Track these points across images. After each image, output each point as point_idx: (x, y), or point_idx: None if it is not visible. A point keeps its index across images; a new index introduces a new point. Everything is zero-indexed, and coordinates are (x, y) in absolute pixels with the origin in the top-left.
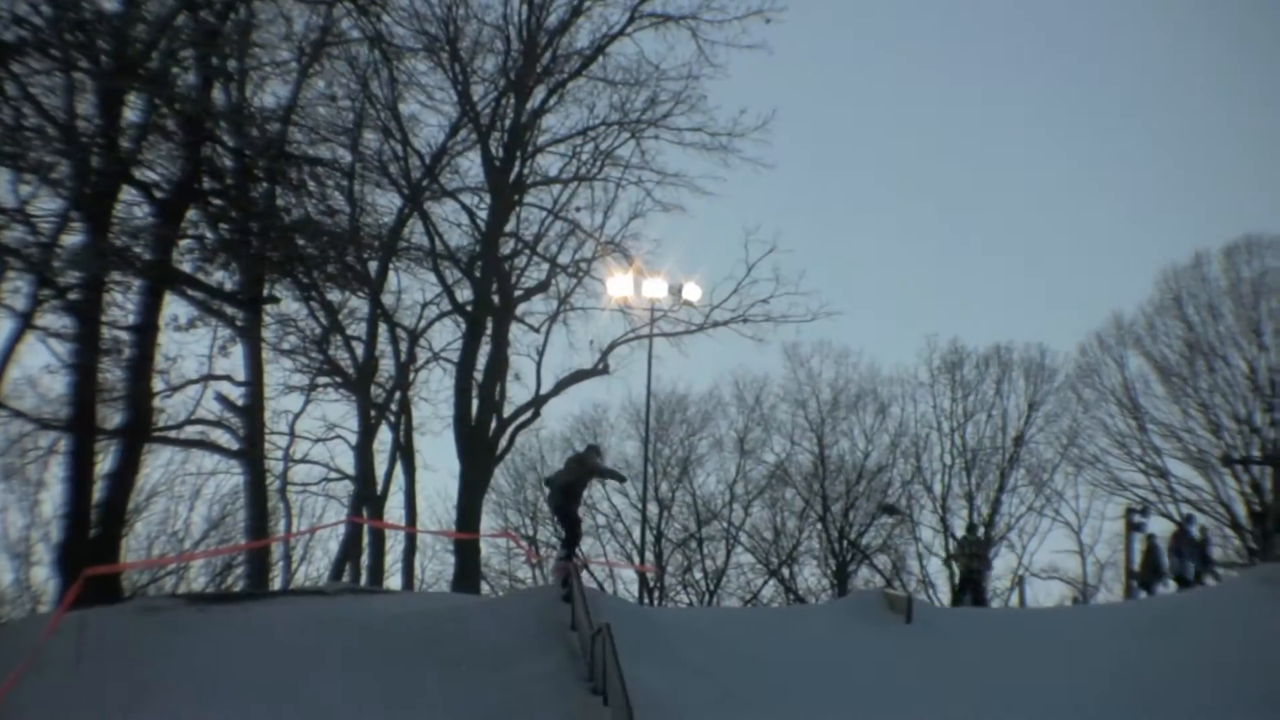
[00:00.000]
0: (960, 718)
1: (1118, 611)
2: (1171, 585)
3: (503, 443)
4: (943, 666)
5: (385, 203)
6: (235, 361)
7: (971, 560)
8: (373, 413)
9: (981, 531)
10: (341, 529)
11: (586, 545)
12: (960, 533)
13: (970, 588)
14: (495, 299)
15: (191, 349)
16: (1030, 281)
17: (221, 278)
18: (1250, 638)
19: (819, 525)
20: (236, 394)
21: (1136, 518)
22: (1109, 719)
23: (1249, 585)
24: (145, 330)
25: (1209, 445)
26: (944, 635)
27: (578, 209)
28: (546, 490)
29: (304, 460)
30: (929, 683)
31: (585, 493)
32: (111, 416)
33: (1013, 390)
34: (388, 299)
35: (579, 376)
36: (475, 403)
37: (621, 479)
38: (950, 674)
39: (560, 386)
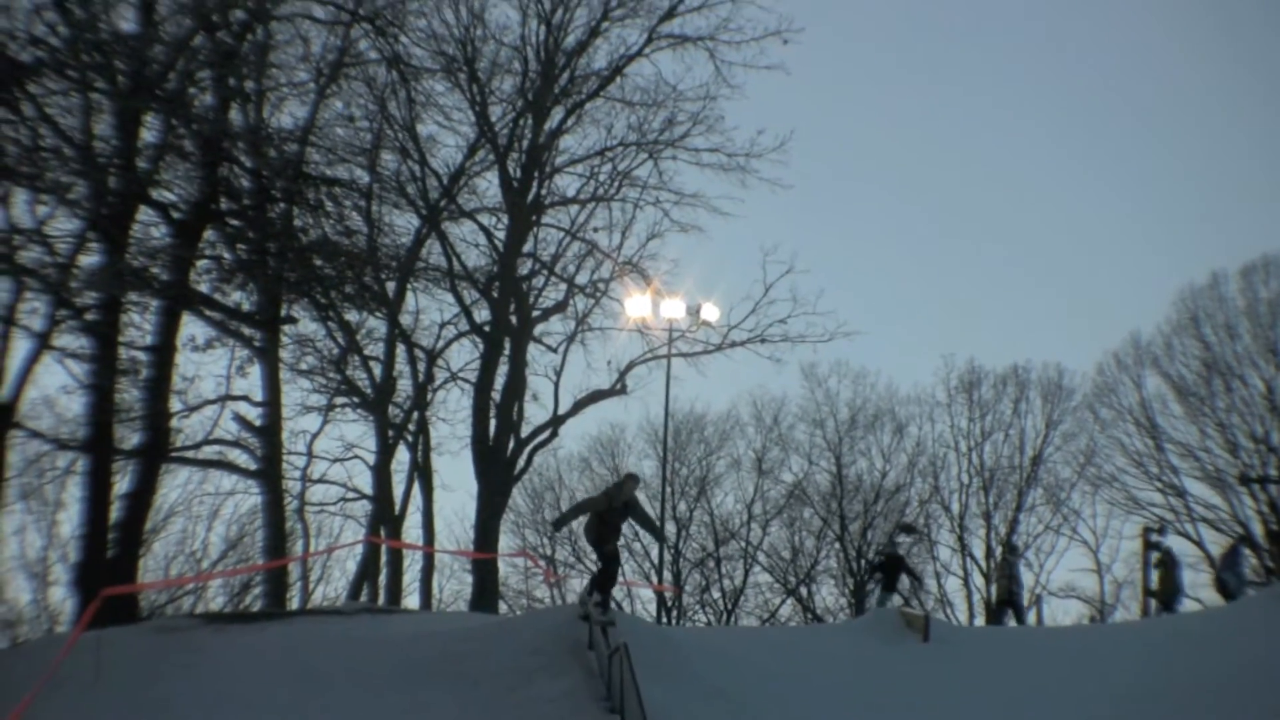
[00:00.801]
0: None
1: (1135, 630)
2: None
3: (520, 462)
4: (960, 685)
5: (403, 223)
6: (253, 382)
7: (1011, 582)
8: (390, 433)
9: (1016, 550)
10: (359, 549)
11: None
12: (979, 551)
13: (1011, 608)
14: (513, 319)
15: (209, 369)
16: (1048, 301)
17: (239, 298)
18: (1267, 656)
19: (837, 544)
20: (254, 414)
21: (1154, 537)
22: None
23: (1265, 604)
24: (163, 350)
25: (1226, 464)
26: (961, 654)
27: (595, 229)
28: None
29: (322, 480)
30: (946, 702)
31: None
32: (129, 437)
33: (1030, 410)
34: (405, 319)
35: (597, 396)
36: (493, 423)
37: (659, 535)
38: (968, 693)
39: (578, 406)
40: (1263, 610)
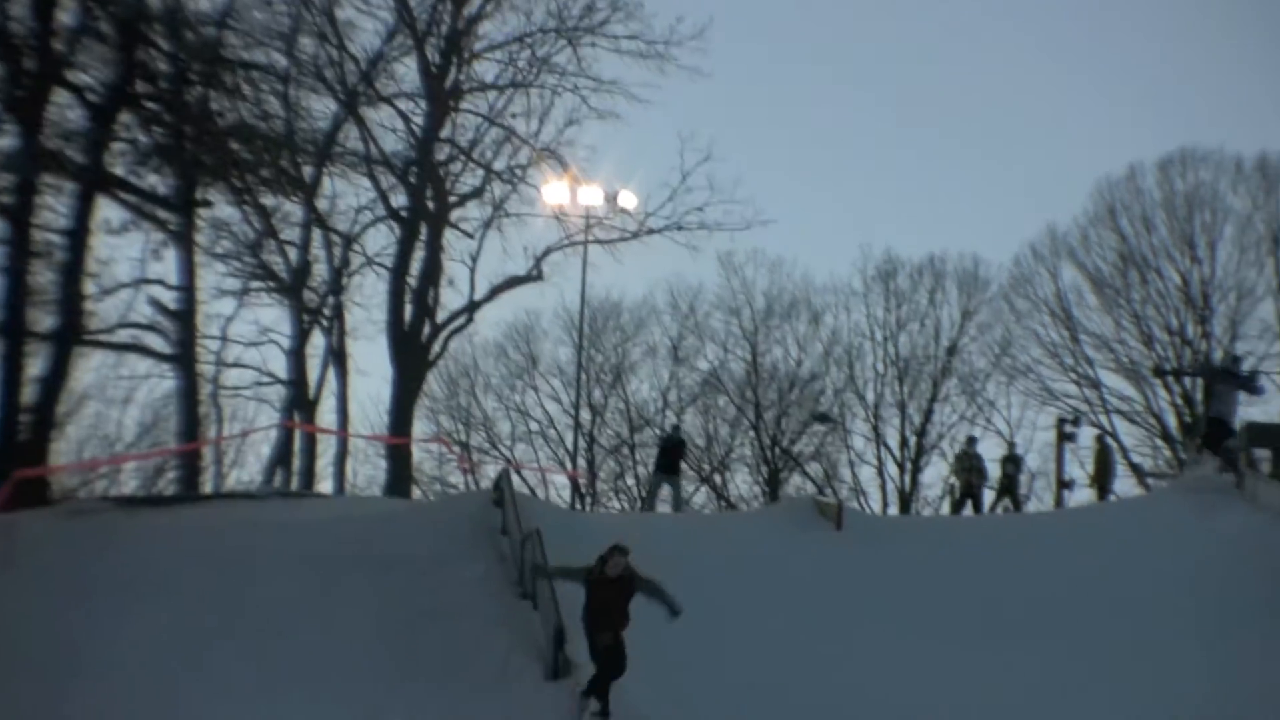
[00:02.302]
0: (889, 621)
1: (1047, 520)
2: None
3: (436, 348)
4: (872, 572)
5: (321, 108)
6: (168, 266)
7: (971, 474)
8: (306, 317)
9: (975, 442)
10: (273, 433)
11: (519, 451)
12: (893, 440)
13: (971, 501)
14: (430, 204)
15: (124, 253)
16: (965, 191)
17: (155, 182)
18: (1176, 546)
19: (751, 433)
20: (169, 298)
21: (1068, 427)
22: (1035, 622)
23: (1175, 495)
24: (77, 234)
25: (1141, 356)
26: (873, 542)
27: (514, 115)
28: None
29: (236, 365)
30: (859, 588)
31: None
32: (43, 320)
33: (946, 300)
34: (322, 204)
35: (513, 283)
36: (409, 308)
37: (675, 610)
38: (879, 580)
39: (494, 292)
40: (1172, 501)
